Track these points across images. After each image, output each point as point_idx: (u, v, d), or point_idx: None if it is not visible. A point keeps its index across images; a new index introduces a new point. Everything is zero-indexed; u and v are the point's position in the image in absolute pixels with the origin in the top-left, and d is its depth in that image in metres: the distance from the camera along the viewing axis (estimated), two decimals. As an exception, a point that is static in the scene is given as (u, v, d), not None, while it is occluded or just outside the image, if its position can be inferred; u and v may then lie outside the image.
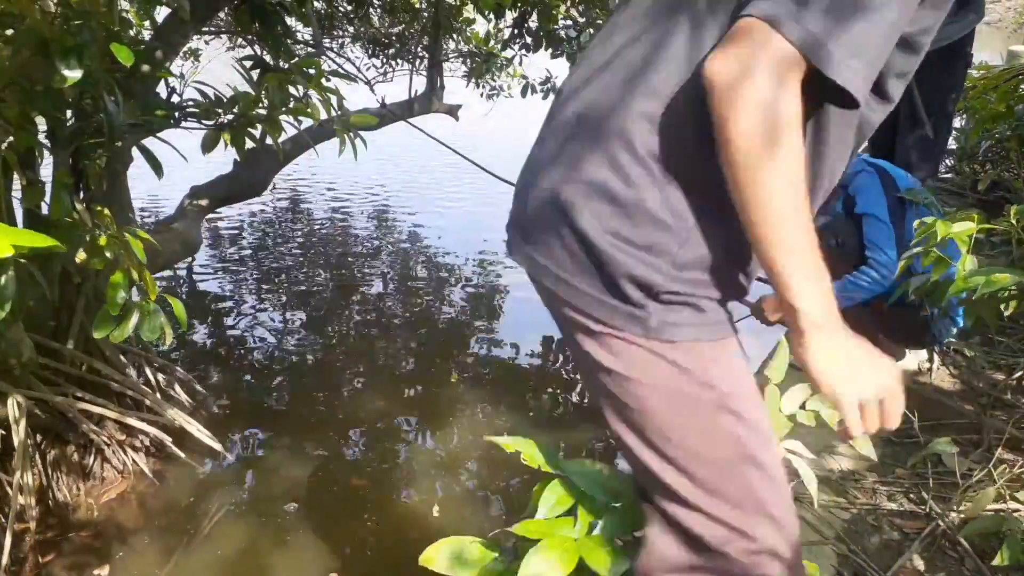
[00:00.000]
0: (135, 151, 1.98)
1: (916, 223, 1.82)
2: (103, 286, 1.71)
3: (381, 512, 2.28)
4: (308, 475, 2.45)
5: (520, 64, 4.83)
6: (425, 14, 4.51)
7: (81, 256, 1.72)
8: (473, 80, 5.10)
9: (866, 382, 0.73)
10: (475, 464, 2.59)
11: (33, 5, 1.45)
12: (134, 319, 1.74)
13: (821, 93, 0.70)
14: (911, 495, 1.87)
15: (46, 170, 1.99)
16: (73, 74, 1.44)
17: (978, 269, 1.58)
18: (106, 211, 1.75)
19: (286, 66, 2.21)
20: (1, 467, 2.08)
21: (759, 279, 0.91)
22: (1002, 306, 1.60)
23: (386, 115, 3.88)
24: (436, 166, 7.06)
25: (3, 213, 1.67)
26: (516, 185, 0.94)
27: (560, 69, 4.32)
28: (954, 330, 2.22)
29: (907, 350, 2.43)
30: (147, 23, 2.23)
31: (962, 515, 1.73)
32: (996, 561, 1.44)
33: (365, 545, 2.14)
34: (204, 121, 2.06)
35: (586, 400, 3.12)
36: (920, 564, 1.62)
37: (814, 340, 0.72)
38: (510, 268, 4.74)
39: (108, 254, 1.71)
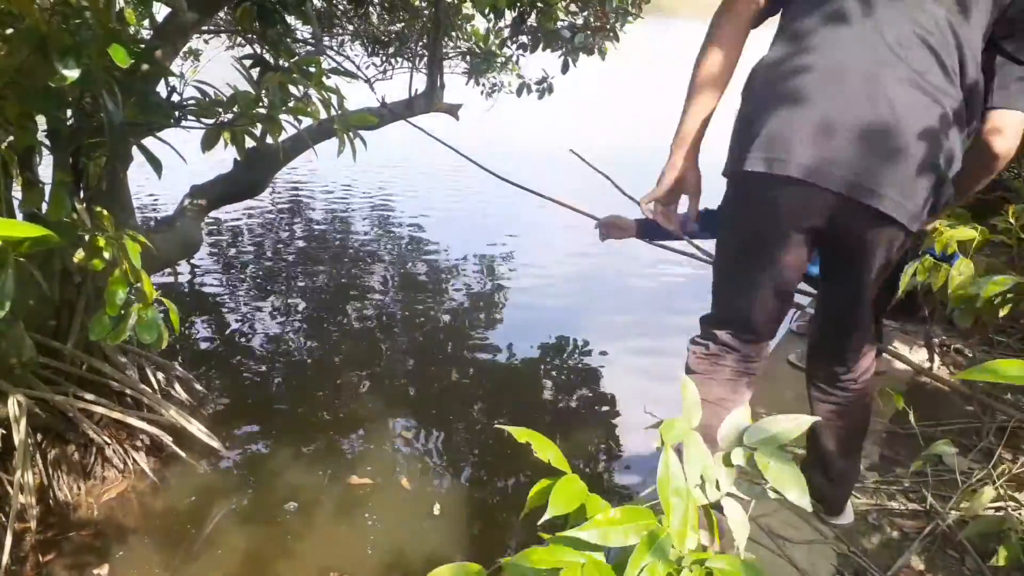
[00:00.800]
0: (135, 151, 1.97)
1: None
2: (103, 286, 1.71)
3: (381, 512, 2.28)
4: (308, 475, 2.45)
5: (517, 63, 4.81)
6: (425, 13, 4.49)
7: (79, 256, 1.72)
8: (473, 79, 5.07)
9: None
10: (475, 463, 2.59)
11: (32, 4, 1.45)
12: (131, 322, 1.74)
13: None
14: (911, 495, 1.88)
15: (46, 170, 1.99)
16: (71, 73, 1.44)
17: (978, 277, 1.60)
18: (105, 212, 1.75)
19: (286, 65, 2.21)
20: (1, 466, 2.08)
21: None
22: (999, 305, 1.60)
23: (386, 114, 3.87)
24: (436, 165, 7.06)
25: (3, 213, 1.66)
26: (865, 154, 1.27)
27: (557, 68, 4.30)
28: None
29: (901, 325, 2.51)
30: (146, 22, 2.21)
31: (962, 514, 1.73)
32: (994, 562, 1.45)
33: (365, 545, 2.14)
34: (204, 120, 2.05)
35: (585, 401, 3.12)
36: (920, 564, 1.62)
37: None
38: (509, 267, 4.75)
39: (106, 255, 1.71)
